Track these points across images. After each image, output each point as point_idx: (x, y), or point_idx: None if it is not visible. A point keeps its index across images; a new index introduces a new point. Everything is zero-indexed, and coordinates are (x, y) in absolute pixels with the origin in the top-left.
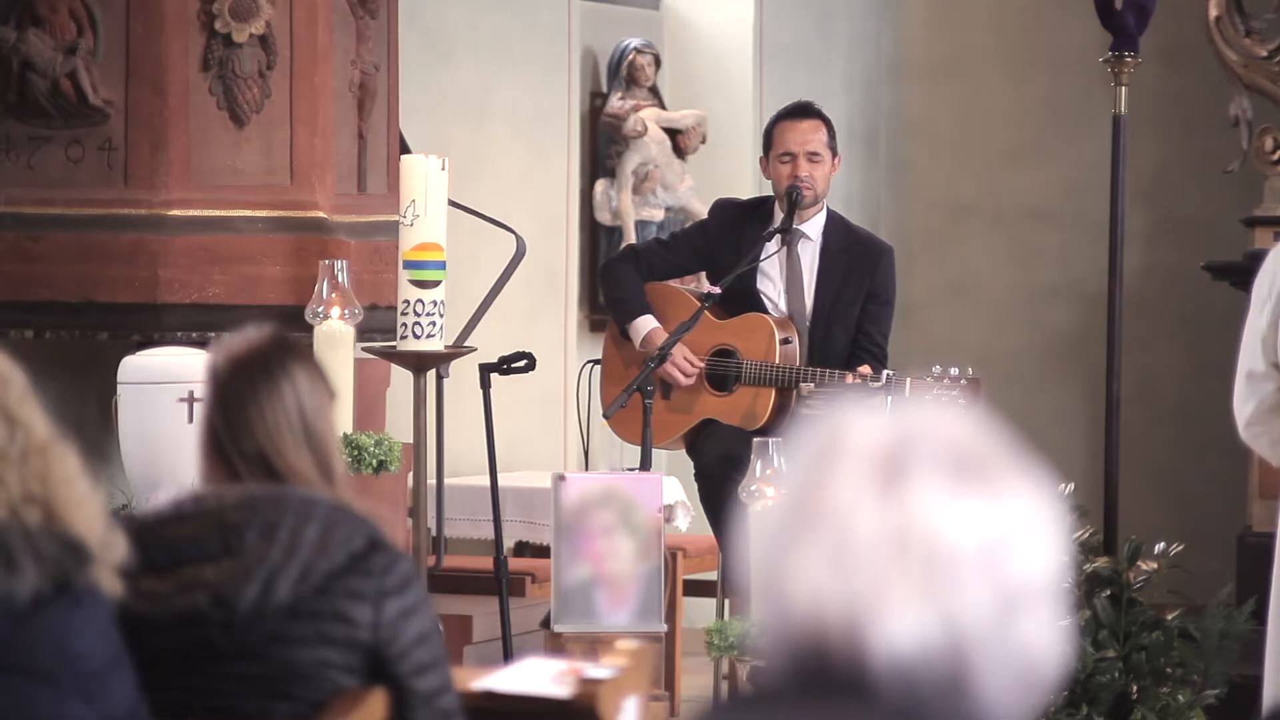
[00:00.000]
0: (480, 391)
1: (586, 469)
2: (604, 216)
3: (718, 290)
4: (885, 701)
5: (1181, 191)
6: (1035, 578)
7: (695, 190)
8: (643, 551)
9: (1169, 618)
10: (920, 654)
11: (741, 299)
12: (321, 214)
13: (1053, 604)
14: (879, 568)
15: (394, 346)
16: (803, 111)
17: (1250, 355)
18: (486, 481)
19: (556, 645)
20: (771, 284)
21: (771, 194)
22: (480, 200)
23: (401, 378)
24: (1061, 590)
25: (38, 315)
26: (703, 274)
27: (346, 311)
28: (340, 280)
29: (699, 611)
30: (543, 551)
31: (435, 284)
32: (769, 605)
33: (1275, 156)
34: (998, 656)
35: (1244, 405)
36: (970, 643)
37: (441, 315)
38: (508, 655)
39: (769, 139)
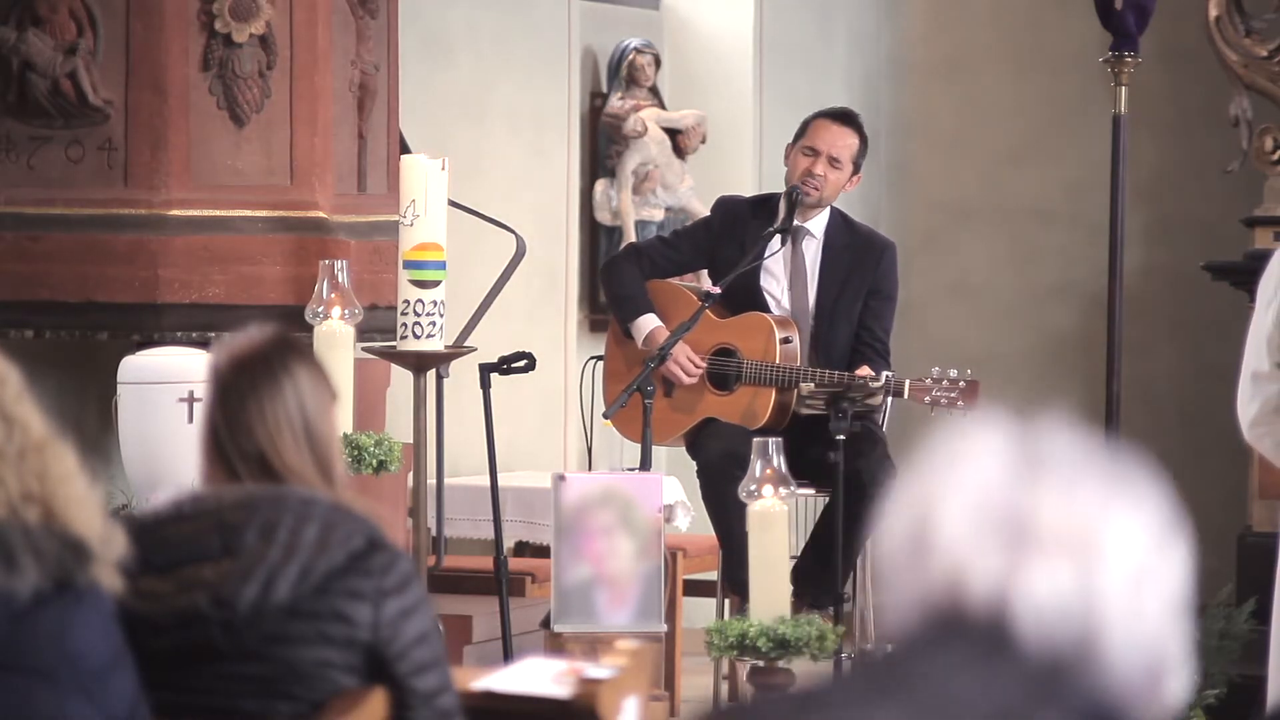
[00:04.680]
0: (480, 391)
1: (588, 469)
2: (604, 216)
3: (719, 289)
4: (1026, 658)
5: (1181, 191)
6: (1170, 580)
7: (695, 190)
8: (643, 551)
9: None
10: (1058, 615)
11: (745, 297)
12: (321, 214)
13: (1181, 612)
14: (1022, 540)
15: (394, 346)
16: (844, 117)
17: (1255, 356)
18: (486, 481)
19: (556, 645)
20: (775, 281)
21: (775, 191)
22: (480, 200)
23: (401, 378)
24: (1188, 606)
25: (38, 315)
26: (704, 272)
27: (346, 311)
28: (340, 280)
29: (699, 611)
30: (543, 551)
31: (435, 284)
32: (906, 565)
33: (1275, 156)
34: (1127, 637)
35: (1248, 406)
36: (1103, 616)
37: (441, 315)
38: (508, 655)
39: (803, 129)
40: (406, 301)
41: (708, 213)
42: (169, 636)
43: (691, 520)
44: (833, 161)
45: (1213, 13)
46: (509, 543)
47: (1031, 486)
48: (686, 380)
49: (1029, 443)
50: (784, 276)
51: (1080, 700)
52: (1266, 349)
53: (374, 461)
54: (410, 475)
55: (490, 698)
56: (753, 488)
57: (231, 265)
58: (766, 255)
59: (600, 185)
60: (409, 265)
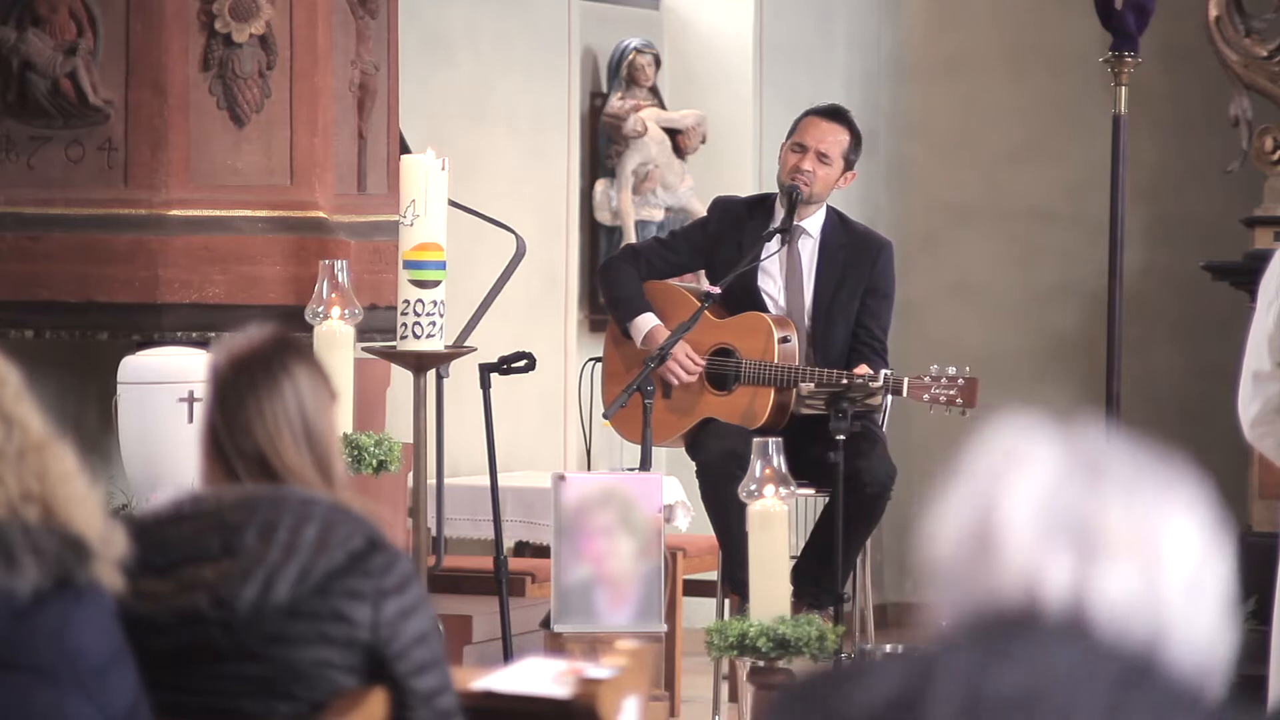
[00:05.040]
0: (480, 391)
1: (589, 468)
2: (604, 216)
3: (717, 290)
4: (1113, 648)
5: (1181, 191)
6: (1222, 587)
7: (695, 190)
8: (643, 551)
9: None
10: (1131, 616)
11: (742, 297)
12: (321, 214)
13: (1228, 615)
14: (1089, 538)
15: (394, 346)
16: (833, 114)
17: (1256, 356)
18: (486, 481)
19: (556, 645)
20: (772, 281)
21: (771, 192)
22: (480, 200)
23: (401, 378)
24: (1230, 598)
25: (38, 315)
26: (702, 273)
27: (346, 311)
28: (340, 280)
29: (699, 611)
30: (543, 551)
31: (435, 284)
32: (973, 560)
33: (1275, 156)
34: (1186, 640)
35: (1249, 406)
36: (1167, 619)
37: (441, 315)
38: (508, 655)
39: (794, 127)
40: (406, 301)
41: (707, 211)
42: (169, 637)
43: (691, 520)
44: (821, 157)
45: (1213, 13)
46: (509, 543)
47: (1093, 490)
48: (685, 379)
49: (1083, 446)
50: (780, 276)
51: (1159, 695)
52: (1268, 349)
53: (374, 461)
54: (410, 475)
55: (490, 698)
56: (753, 488)
57: (231, 265)
58: (764, 256)
59: (600, 185)
60: (409, 265)
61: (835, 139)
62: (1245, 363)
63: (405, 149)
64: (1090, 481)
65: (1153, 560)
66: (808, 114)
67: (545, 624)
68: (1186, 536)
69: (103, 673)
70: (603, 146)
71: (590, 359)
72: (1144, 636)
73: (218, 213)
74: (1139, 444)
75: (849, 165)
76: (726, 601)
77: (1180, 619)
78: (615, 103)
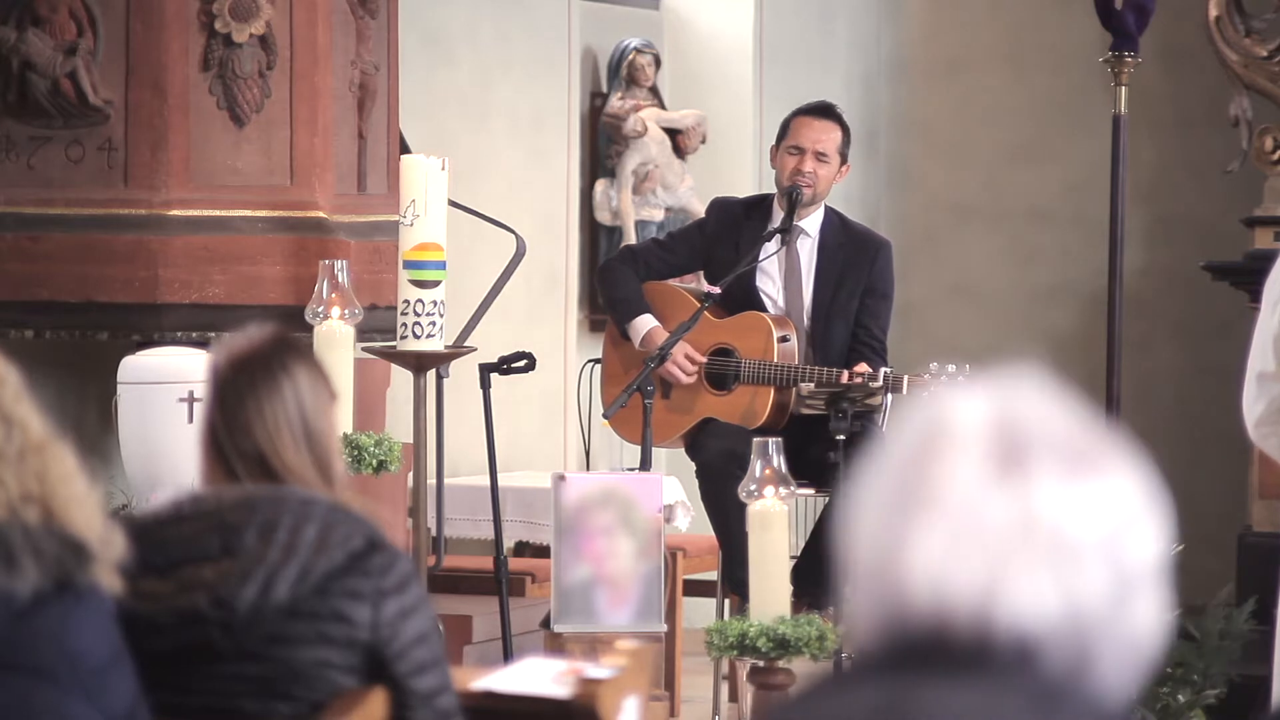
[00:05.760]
0: (480, 391)
1: (588, 469)
2: (604, 216)
3: (717, 290)
4: (1013, 678)
5: (1181, 191)
6: (1148, 562)
7: (695, 190)
8: (643, 551)
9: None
10: (1046, 634)
11: (741, 297)
12: (321, 214)
13: (1160, 585)
14: (1005, 552)
15: (394, 346)
16: (823, 111)
17: (1261, 356)
18: (486, 481)
19: (556, 645)
20: (771, 281)
21: (769, 192)
22: (480, 200)
23: (401, 378)
24: (1165, 570)
25: (38, 315)
26: (701, 273)
27: (346, 311)
28: (340, 280)
29: (699, 611)
30: (543, 551)
31: (435, 284)
32: (881, 585)
33: (1275, 156)
34: (1116, 638)
35: (1254, 406)
36: (1093, 626)
37: (441, 315)
38: (508, 655)
39: (784, 129)
40: (406, 301)
41: (705, 212)
42: (168, 637)
43: (691, 520)
44: (819, 156)
45: (1213, 13)
46: (509, 543)
47: (1007, 487)
48: (685, 379)
49: (1004, 431)
50: (779, 276)
51: (1083, 708)
52: (1273, 349)
53: (374, 461)
54: (410, 475)
55: (490, 698)
56: (753, 488)
57: (231, 265)
58: (763, 257)
59: (600, 185)
60: (409, 265)
61: (830, 137)
62: (1250, 363)
63: (405, 149)
64: (1005, 476)
65: (1076, 565)
66: (797, 115)
67: (545, 624)
68: (1117, 536)
69: (102, 674)
70: (603, 146)
71: (590, 360)
72: (1069, 653)
73: (218, 213)
74: (1081, 420)
75: (844, 160)
76: (726, 601)
77: (1107, 632)
78: (615, 103)
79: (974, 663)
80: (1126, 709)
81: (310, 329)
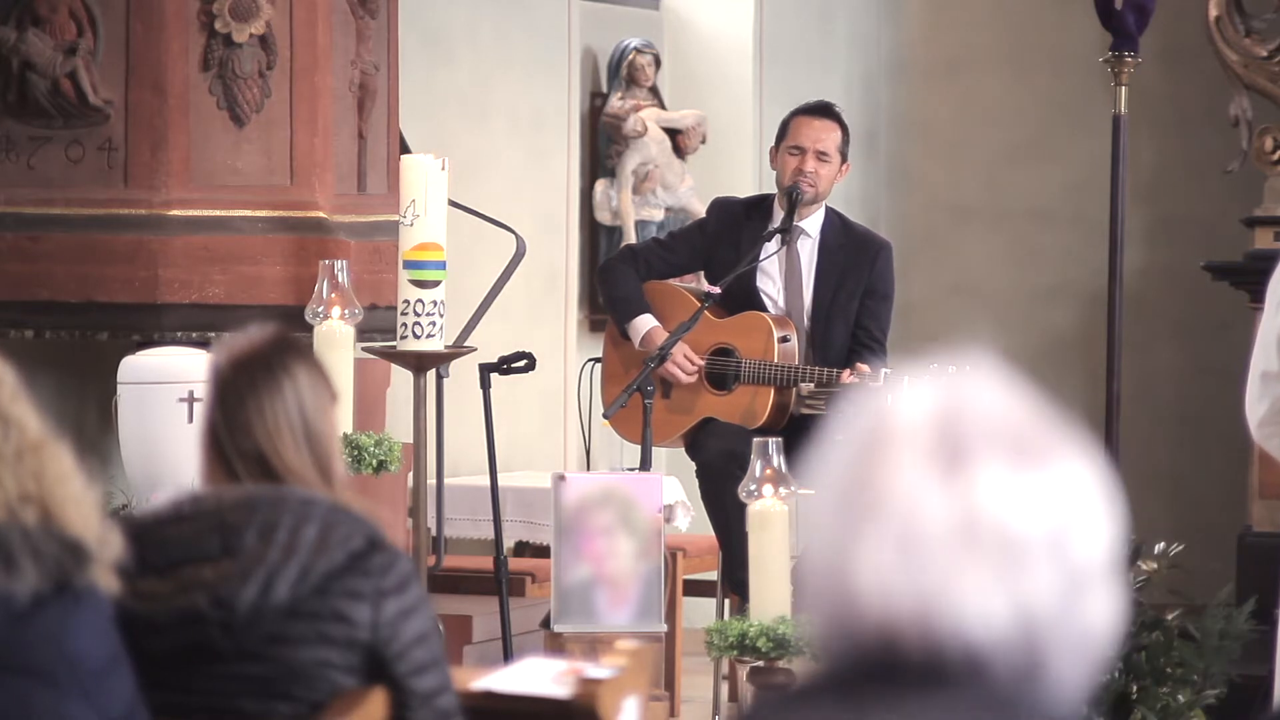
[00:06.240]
0: (480, 391)
1: (588, 469)
2: (604, 216)
3: (717, 290)
4: (965, 690)
5: (1181, 191)
6: (1098, 555)
7: (695, 190)
8: (643, 551)
9: (1169, 618)
10: (995, 642)
11: (741, 297)
12: (321, 214)
13: (1113, 577)
14: (949, 557)
15: (394, 346)
16: (821, 110)
17: (1265, 356)
18: (486, 481)
19: (556, 645)
20: (771, 281)
21: (770, 192)
22: (480, 200)
23: (401, 378)
24: (1118, 559)
25: (38, 315)
26: (702, 273)
27: (346, 311)
28: (340, 280)
29: (699, 611)
30: (543, 551)
31: (435, 284)
32: (830, 599)
33: (1275, 156)
34: (1068, 638)
35: (1257, 405)
36: (1043, 628)
37: (441, 315)
38: (508, 655)
39: (784, 130)
40: (406, 301)
41: (705, 212)
42: (168, 637)
43: (691, 520)
44: (820, 156)
45: (1213, 13)
46: (509, 543)
47: (949, 486)
48: (684, 380)
49: (945, 428)
50: (779, 277)
51: (1038, 716)
52: (1276, 349)
53: (374, 461)
54: (410, 475)
55: (490, 698)
56: (753, 488)
57: (231, 265)
58: (763, 257)
59: (600, 185)
60: (409, 265)
61: (830, 136)
62: (1253, 362)
63: (405, 149)
64: (948, 479)
65: (1023, 568)
66: (796, 115)
67: (545, 624)
68: (1065, 531)
69: (101, 676)
70: (603, 146)
71: (590, 359)
72: (1015, 662)
73: (218, 213)
74: (1028, 410)
75: (844, 158)
76: (726, 601)
77: (1058, 633)
78: (615, 103)
79: (926, 678)
80: (1081, 708)
81: (310, 329)
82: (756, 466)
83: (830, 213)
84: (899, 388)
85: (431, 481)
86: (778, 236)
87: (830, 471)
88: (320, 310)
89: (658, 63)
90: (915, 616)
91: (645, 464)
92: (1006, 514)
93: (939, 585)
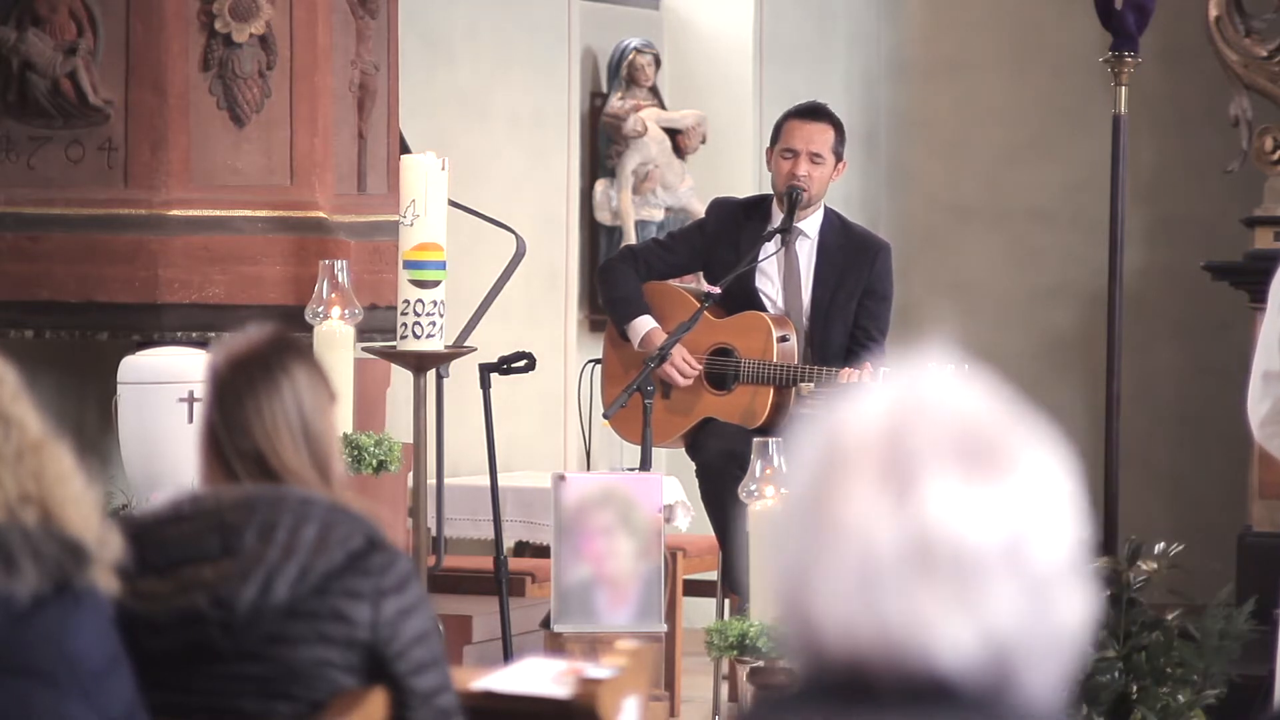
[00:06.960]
0: (480, 391)
1: (588, 469)
2: (604, 216)
3: (717, 290)
4: (941, 708)
5: (1181, 191)
6: (1061, 558)
7: (695, 190)
8: (643, 551)
9: (1169, 618)
10: (965, 668)
11: (740, 297)
12: (321, 214)
13: (1079, 576)
14: (907, 585)
15: (394, 346)
16: (814, 112)
17: (1267, 355)
18: (486, 481)
19: (556, 645)
20: (770, 282)
21: (769, 193)
22: (480, 200)
23: (401, 378)
24: (1084, 556)
25: (38, 315)
26: (701, 273)
27: (346, 311)
28: (340, 280)
29: (699, 611)
30: (543, 551)
31: (435, 284)
32: (796, 627)
33: (1275, 156)
34: (1039, 647)
35: (1259, 405)
36: (1011, 643)
37: (441, 315)
38: (508, 655)
39: (777, 132)
40: (406, 301)
41: (705, 212)
42: (168, 637)
43: (691, 520)
44: (813, 157)
45: (1213, 13)
46: (509, 543)
47: (901, 507)
48: (683, 382)
49: (894, 443)
50: (778, 277)
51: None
52: (1279, 349)
53: (374, 461)
54: (410, 475)
55: (490, 698)
56: (753, 488)
57: (231, 265)
58: (762, 257)
59: (600, 185)
60: (409, 265)
61: (823, 137)
62: (1255, 362)
63: (405, 149)
64: (900, 497)
65: (984, 584)
66: (788, 118)
67: (545, 624)
68: (1023, 539)
69: (101, 676)
70: (603, 146)
71: (590, 360)
72: (986, 679)
73: (218, 213)
74: (981, 412)
75: (839, 158)
76: (726, 601)
77: (1027, 644)
78: (615, 103)
79: (895, 700)
80: (1061, 706)
81: (310, 329)
82: (756, 466)
83: (829, 213)
84: (849, 400)
85: (431, 481)
86: (777, 237)
87: (791, 490)
88: (320, 310)
89: (658, 63)
90: (880, 647)
91: (645, 464)
92: (960, 530)
93: (901, 616)
